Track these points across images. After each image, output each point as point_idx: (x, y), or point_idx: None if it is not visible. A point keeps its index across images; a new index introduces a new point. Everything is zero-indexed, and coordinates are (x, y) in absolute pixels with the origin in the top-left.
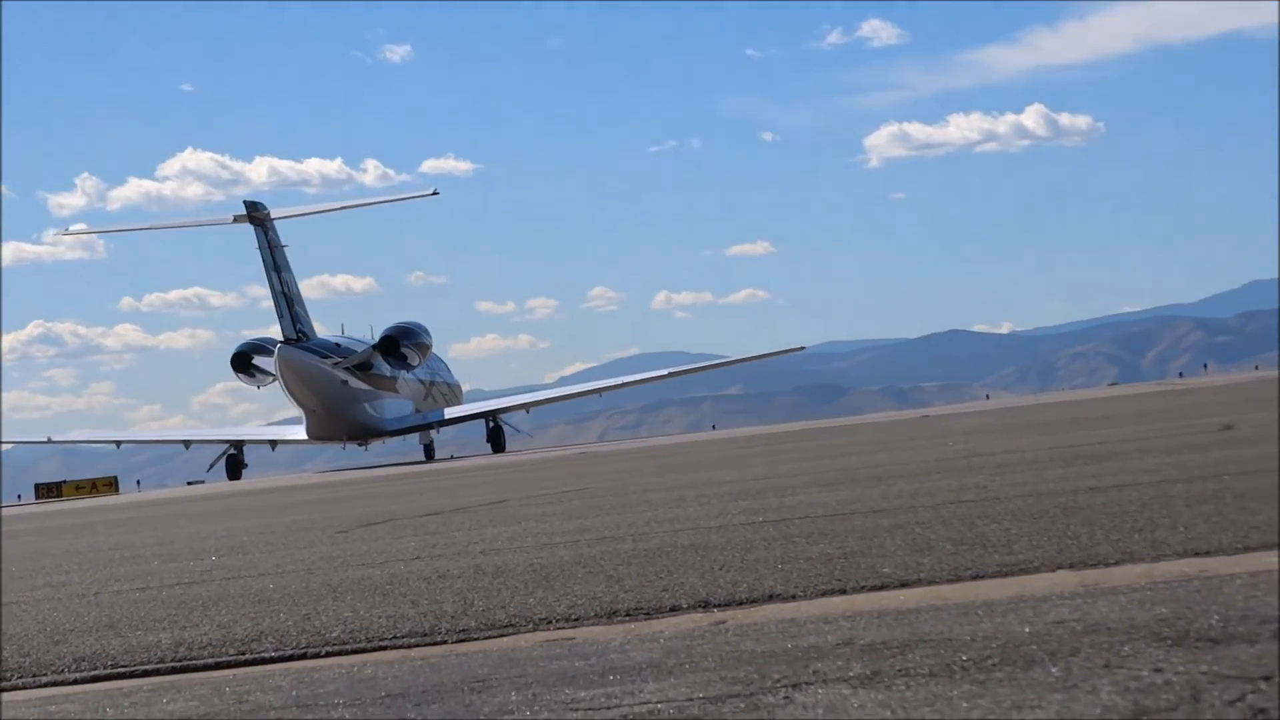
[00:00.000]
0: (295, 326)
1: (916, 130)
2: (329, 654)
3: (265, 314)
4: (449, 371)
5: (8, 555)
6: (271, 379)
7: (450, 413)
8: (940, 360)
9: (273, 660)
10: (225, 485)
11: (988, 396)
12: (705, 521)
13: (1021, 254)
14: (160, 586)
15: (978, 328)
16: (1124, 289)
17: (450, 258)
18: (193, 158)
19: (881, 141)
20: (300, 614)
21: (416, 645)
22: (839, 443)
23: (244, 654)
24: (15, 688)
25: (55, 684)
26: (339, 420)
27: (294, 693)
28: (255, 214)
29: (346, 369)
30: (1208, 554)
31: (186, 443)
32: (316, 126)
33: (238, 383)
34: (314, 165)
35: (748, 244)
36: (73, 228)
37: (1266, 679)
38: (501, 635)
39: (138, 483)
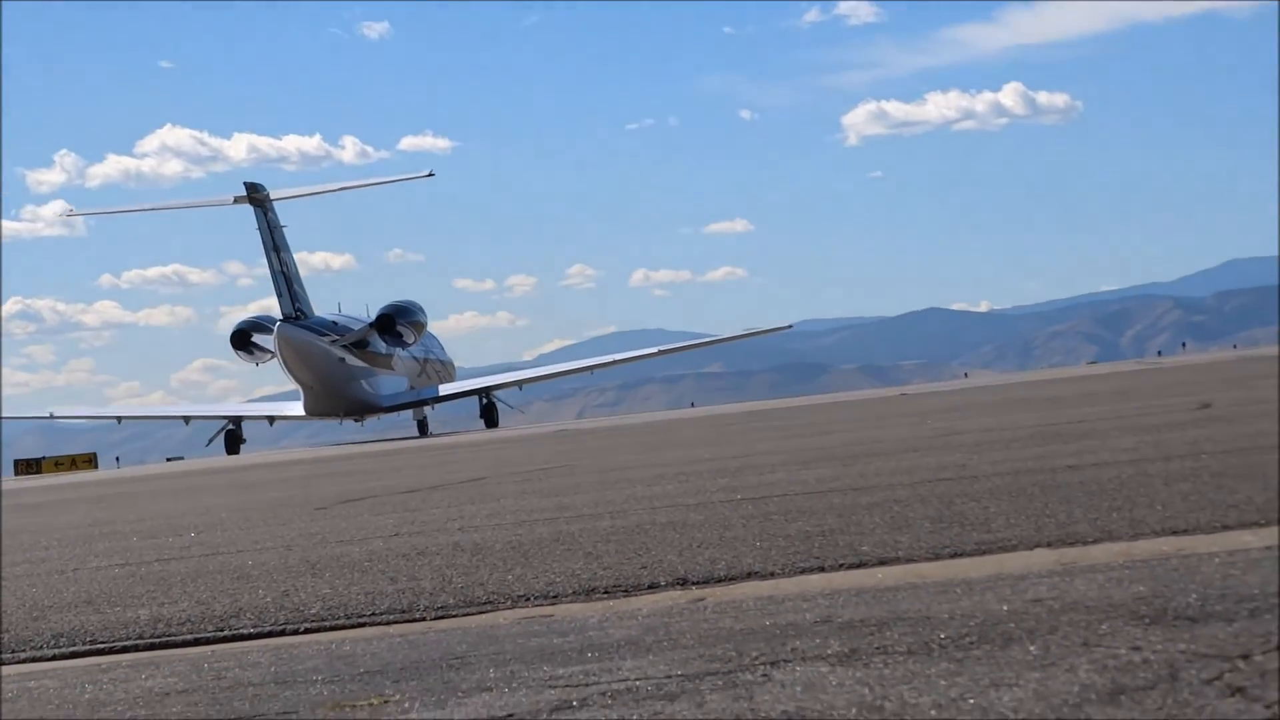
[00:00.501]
0: (294, 305)
1: (894, 108)
2: (307, 630)
3: (243, 291)
4: (442, 349)
5: None
6: (270, 356)
7: (445, 389)
8: (919, 338)
9: (251, 637)
10: (204, 461)
11: (966, 375)
12: (684, 499)
13: (1000, 232)
14: (139, 563)
15: (956, 306)
16: (1102, 268)
17: (429, 235)
18: (171, 134)
19: (859, 120)
20: (279, 590)
21: (395, 622)
22: (817, 420)
23: (223, 630)
24: None
25: (34, 659)
26: (336, 396)
27: (272, 669)
28: (255, 195)
29: (344, 346)
30: (1186, 533)
31: (187, 418)
32: (295, 103)
33: (216, 360)
34: (292, 142)
35: (726, 222)
36: (76, 209)
37: (1244, 658)
38: (480, 612)
39: (117, 459)
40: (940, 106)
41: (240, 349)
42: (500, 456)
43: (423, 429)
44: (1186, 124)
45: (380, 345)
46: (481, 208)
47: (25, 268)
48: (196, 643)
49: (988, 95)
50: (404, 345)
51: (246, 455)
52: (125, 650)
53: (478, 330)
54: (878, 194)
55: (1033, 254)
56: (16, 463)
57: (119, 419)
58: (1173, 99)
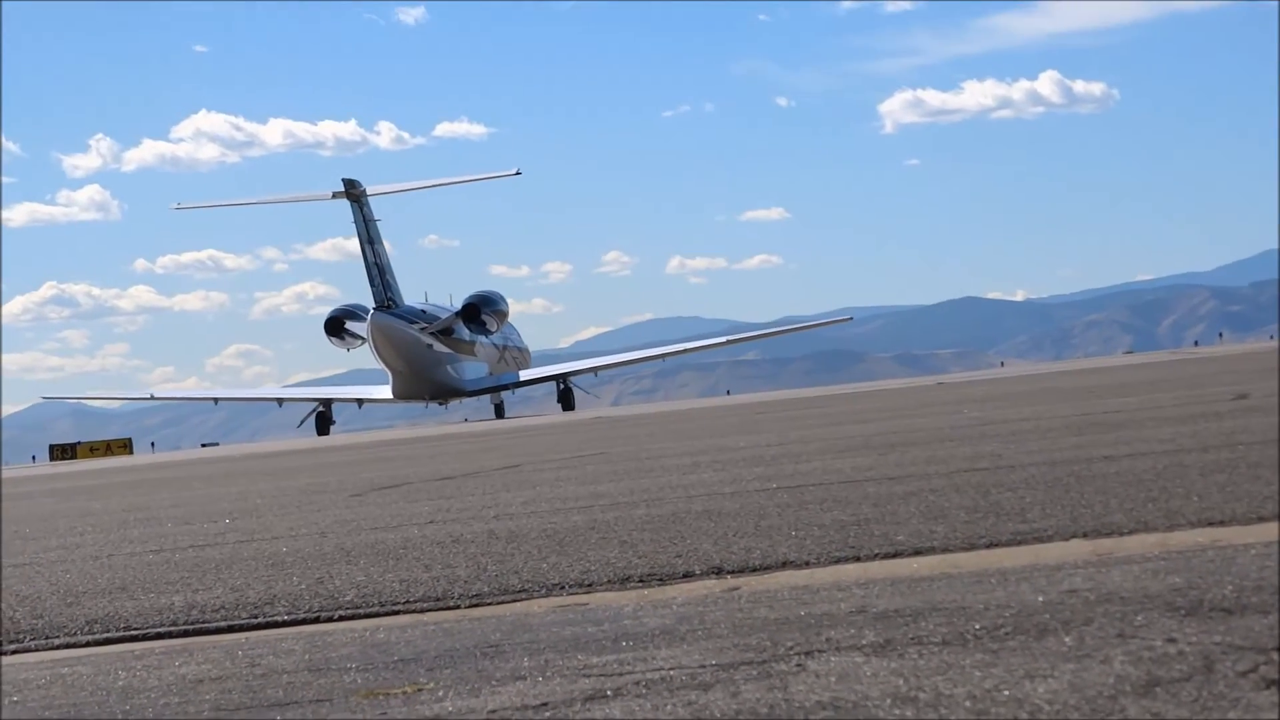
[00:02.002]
0: (386, 294)
1: (931, 97)
2: (342, 618)
3: (278, 276)
4: (519, 337)
5: (21, 517)
6: (360, 342)
7: (525, 375)
8: (955, 327)
9: (285, 624)
10: (239, 447)
11: (1002, 364)
12: (719, 488)
13: (1036, 221)
14: (174, 549)
15: (992, 295)
16: (1139, 257)
17: (463, 221)
18: (206, 119)
19: (896, 108)
20: (313, 577)
21: (429, 610)
22: (853, 409)
23: (256, 617)
24: (27, 650)
25: (68, 645)
26: (423, 381)
27: (306, 656)
28: (352, 191)
29: (431, 334)
30: (1221, 524)
31: (280, 400)
32: (330, 88)
33: (250, 345)
34: (328, 127)
35: (762, 209)
36: (181, 202)
37: None
38: (514, 600)
39: (152, 444)
40: (977, 95)
41: (333, 335)
42: (536, 443)
43: (499, 412)
44: (1223, 112)
45: (464, 332)
46: (516, 194)
47: (60, 252)
48: (230, 630)
49: (1024, 84)
50: (486, 333)
51: (282, 441)
52: (159, 637)
53: (513, 317)
54: (914, 182)
55: (1069, 243)
56: (52, 448)
57: (215, 400)
58: (1210, 88)
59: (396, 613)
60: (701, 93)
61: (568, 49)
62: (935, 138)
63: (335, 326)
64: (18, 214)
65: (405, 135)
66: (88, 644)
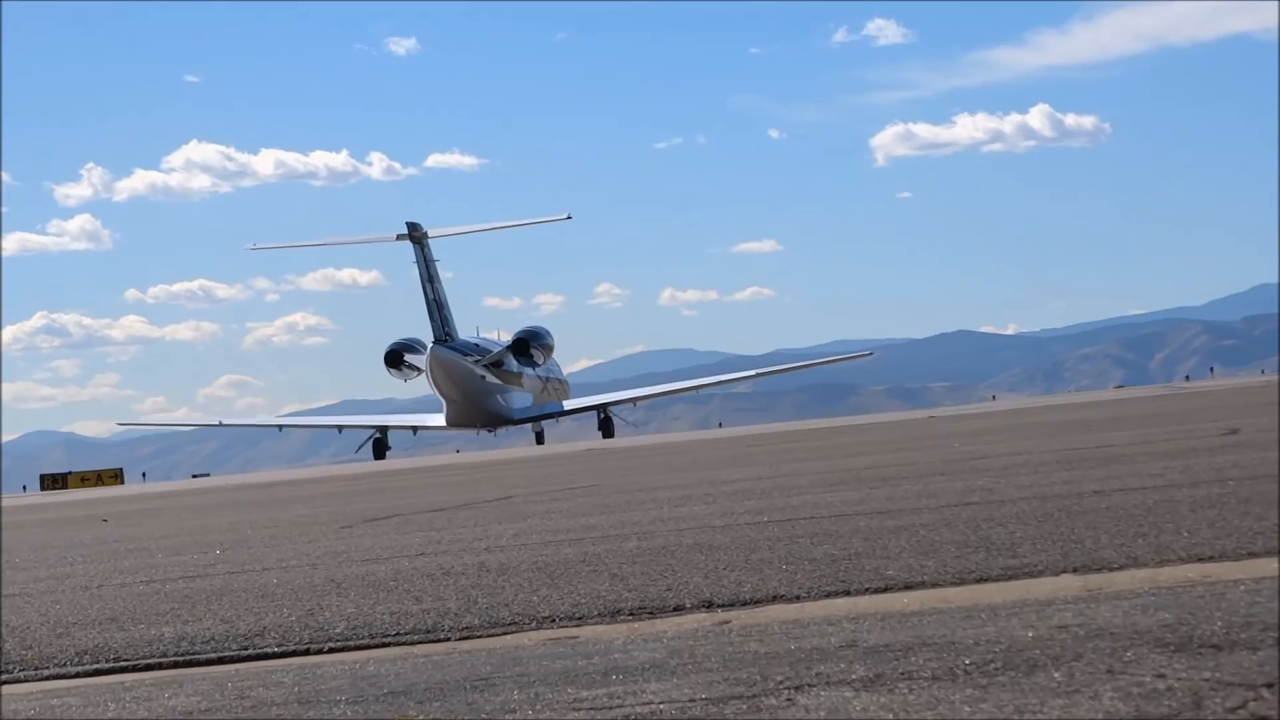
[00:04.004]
0: (444, 329)
1: (923, 130)
2: (332, 650)
3: (270, 307)
4: (560, 370)
5: (11, 547)
6: (417, 373)
7: (569, 405)
8: (947, 360)
9: (276, 656)
10: (230, 478)
11: (994, 397)
12: (710, 521)
13: (1028, 255)
14: (164, 580)
15: (984, 328)
16: (1131, 291)
17: (456, 253)
18: (198, 150)
19: (888, 141)
20: (304, 609)
21: (420, 642)
22: (845, 443)
23: (247, 649)
24: (17, 680)
25: (58, 677)
26: (476, 410)
27: (296, 689)
28: (415, 233)
29: (484, 366)
30: (1211, 559)
31: (340, 427)
32: (322, 119)
33: (242, 375)
34: (320, 158)
35: (754, 242)
36: (255, 243)
37: (1269, 686)
38: (505, 633)
39: (143, 474)
40: (968, 128)
41: (392, 366)
42: (528, 475)
43: (540, 439)
44: (1214, 147)
45: (514, 365)
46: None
47: (51, 281)
48: (220, 661)
49: (1016, 117)
50: (533, 365)
51: (274, 472)
52: (149, 668)
53: None
54: (906, 215)
55: (1061, 276)
56: (43, 478)
57: (280, 427)
58: (1201, 122)
59: (387, 645)
60: (694, 125)
61: (560, 80)
62: (927, 171)
63: (395, 359)
64: (9, 243)
65: (397, 166)
66: (77, 675)
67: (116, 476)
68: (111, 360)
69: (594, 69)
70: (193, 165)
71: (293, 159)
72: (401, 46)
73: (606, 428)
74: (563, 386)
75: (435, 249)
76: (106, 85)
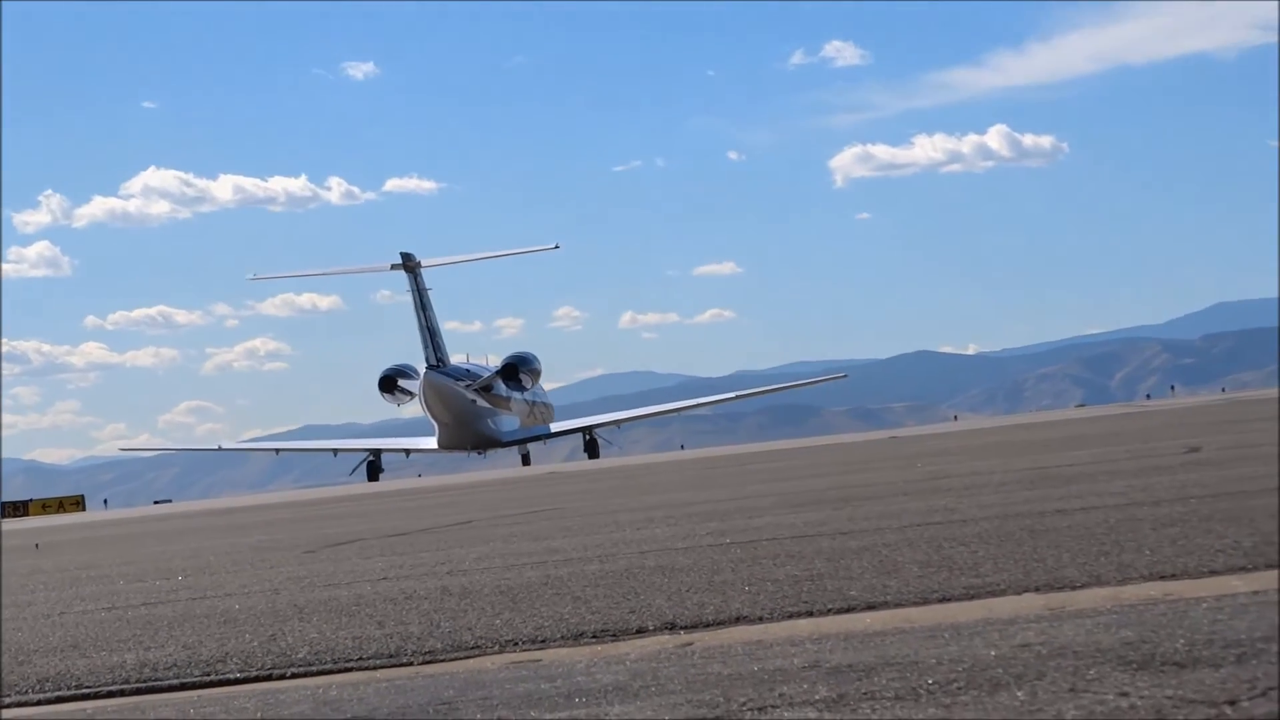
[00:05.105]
0: (437, 355)
1: (881, 151)
2: (294, 675)
3: (230, 333)
4: (545, 394)
5: None
6: (410, 398)
7: (555, 427)
8: (908, 381)
9: (238, 681)
10: (191, 505)
11: (955, 418)
12: (672, 543)
13: (987, 275)
14: (125, 606)
15: (944, 349)
16: (1090, 310)
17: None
18: (156, 176)
19: (846, 162)
20: (266, 635)
21: (383, 667)
22: (807, 464)
23: (209, 675)
24: None
25: (19, 704)
26: (467, 433)
27: (259, 714)
28: (409, 263)
29: (475, 390)
30: (1174, 577)
31: (335, 450)
32: (280, 145)
33: (202, 401)
34: (278, 183)
35: (714, 264)
36: (255, 274)
37: (1231, 703)
38: (468, 657)
39: (105, 501)
40: (926, 149)
41: (385, 391)
42: (490, 499)
43: (525, 461)
44: (1172, 166)
45: (503, 389)
46: (467, 250)
47: (10, 309)
48: (183, 687)
49: (973, 138)
50: (521, 390)
51: (235, 498)
52: (111, 695)
53: None
54: (866, 236)
55: (1020, 296)
56: (4, 505)
57: (277, 450)
58: (1158, 142)
59: (349, 670)
60: (652, 148)
61: (518, 104)
62: (886, 192)
63: (388, 384)
64: None
65: (355, 190)
66: (39, 703)
67: (78, 504)
68: (72, 387)
69: (551, 92)
70: (151, 191)
71: (251, 184)
72: (359, 71)
73: (592, 449)
74: (548, 410)
75: (427, 277)
76: (64, 112)
